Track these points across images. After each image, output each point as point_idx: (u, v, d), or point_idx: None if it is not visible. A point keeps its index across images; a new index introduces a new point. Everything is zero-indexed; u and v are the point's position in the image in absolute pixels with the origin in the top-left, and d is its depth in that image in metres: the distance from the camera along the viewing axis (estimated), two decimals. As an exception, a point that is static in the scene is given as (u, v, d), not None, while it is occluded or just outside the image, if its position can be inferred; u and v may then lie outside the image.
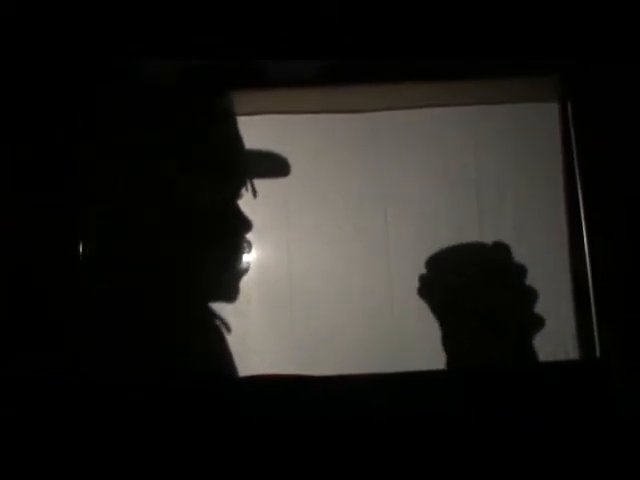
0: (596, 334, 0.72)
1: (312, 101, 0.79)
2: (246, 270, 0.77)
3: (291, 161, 0.79)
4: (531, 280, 0.74)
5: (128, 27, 0.73)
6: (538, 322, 0.74)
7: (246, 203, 0.78)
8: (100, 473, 0.66)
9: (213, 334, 0.76)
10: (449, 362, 0.74)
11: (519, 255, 0.75)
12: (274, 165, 0.78)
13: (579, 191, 0.75)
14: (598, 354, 0.72)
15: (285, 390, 0.70)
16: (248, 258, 0.78)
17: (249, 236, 0.77)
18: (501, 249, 0.75)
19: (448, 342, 0.74)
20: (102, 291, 0.74)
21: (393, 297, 0.77)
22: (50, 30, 0.73)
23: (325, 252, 0.78)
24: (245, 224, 0.77)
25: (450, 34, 0.74)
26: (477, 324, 0.74)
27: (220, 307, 0.77)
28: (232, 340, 0.76)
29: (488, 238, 0.77)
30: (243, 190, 0.78)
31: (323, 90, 0.78)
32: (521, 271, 0.74)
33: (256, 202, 0.78)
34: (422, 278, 0.75)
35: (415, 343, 0.76)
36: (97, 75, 0.74)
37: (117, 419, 0.68)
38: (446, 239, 0.77)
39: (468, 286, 0.75)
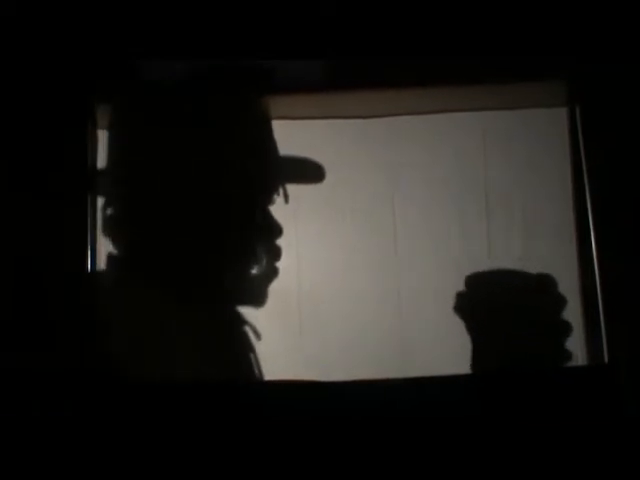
0: (604, 340, 0.72)
1: (318, 107, 0.79)
2: (275, 275, 0.77)
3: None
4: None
5: (129, 27, 0.73)
6: (566, 356, 0.73)
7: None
8: (102, 474, 0.66)
9: (241, 340, 0.76)
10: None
11: (527, 259, 0.75)
12: (308, 171, 0.78)
13: (588, 196, 0.75)
14: (606, 360, 0.72)
15: (295, 395, 0.69)
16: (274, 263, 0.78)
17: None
18: (546, 279, 0.74)
19: (478, 358, 0.74)
20: (125, 289, 0.75)
21: (401, 303, 0.77)
22: (50, 30, 0.72)
23: (334, 257, 0.78)
24: (275, 229, 0.76)
25: (459, 39, 0.74)
26: (509, 344, 0.74)
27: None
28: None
29: (497, 242, 0.77)
30: (275, 195, 0.77)
31: (330, 96, 0.78)
32: (561, 304, 0.74)
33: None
34: (460, 295, 0.75)
35: (424, 348, 0.75)
36: (98, 75, 0.74)
37: (126, 425, 0.68)
38: (455, 246, 0.77)
39: (505, 307, 0.75)
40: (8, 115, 0.72)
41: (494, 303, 0.74)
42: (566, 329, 0.73)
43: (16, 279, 0.70)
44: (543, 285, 0.74)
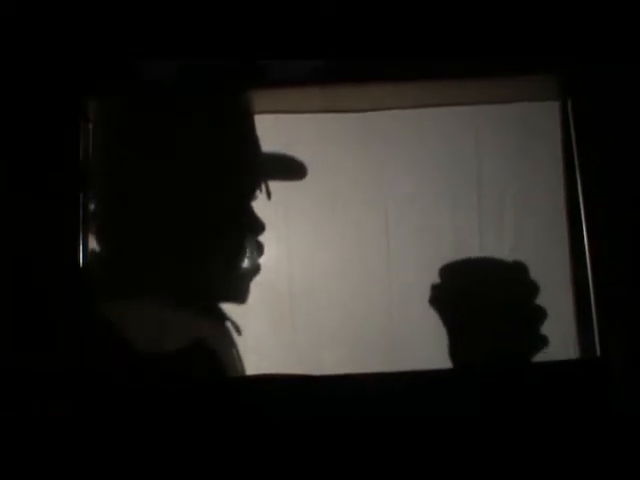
0: (596, 333, 0.72)
1: (311, 101, 0.79)
2: (257, 272, 0.77)
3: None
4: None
5: (129, 27, 0.73)
6: (542, 342, 0.73)
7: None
8: (101, 474, 0.66)
9: (223, 336, 0.76)
10: (455, 367, 0.74)
11: (519, 253, 0.76)
12: (290, 168, 0.78)
13: (579, 189, 0.75)
14: (598, 353, 0.72)
15: (285, 390, 0.69)
16: (256, 259, 0.78)
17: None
18: (516, 266, 0.75)
19: (456, 349, 0.74)
20: (107, 289, 0.74)
21: (393, 298, 0.77)
22: (50, 30, 0.72)
23: (325, 252, 0.78)
24: (258, 226, 0.77)
25: (450, 33, 0.74)
26: (485, 334, 0.74)
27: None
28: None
29: (488, 237, 0.77)
30: (257, 192, 0.77)
31: (322, 90, 0.78)
32: (533, 290, 0.74)
33: (255, 202, 0.78)
34: (434, 287, 0.75)
35: (414, 343, 0.76)
36: (96, 74, 0.74)
37: (121, 420, 0.68)
38: (447, 240, 0.77)
39: (479, 296, 0.75)
40: (6, 114, 0.72)
41: (467, 292, 0.75)
42: (539, 315, 0.73)
43: (15, 279, 0.70)
44: (514, 272, 0.74)
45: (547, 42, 0.75)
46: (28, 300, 0.69)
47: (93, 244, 0.75)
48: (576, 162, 0.75)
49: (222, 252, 0.76)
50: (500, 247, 0.77)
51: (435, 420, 0.68)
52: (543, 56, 0.75)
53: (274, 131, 0.78)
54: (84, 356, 0.69)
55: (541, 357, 0.73)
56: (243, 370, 0.76)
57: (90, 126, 0.76)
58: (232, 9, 0.73)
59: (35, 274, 0.70)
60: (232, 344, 0.76)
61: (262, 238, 0.77)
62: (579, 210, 0.75)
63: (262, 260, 0.77)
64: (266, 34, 0.74)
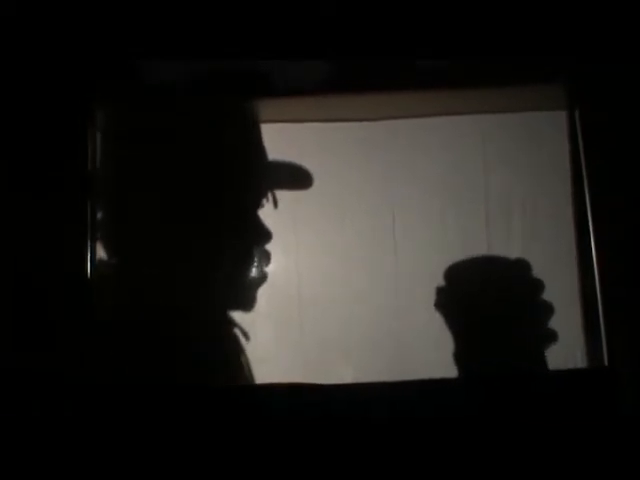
0: (604, 343, 0.72)
1: (315, 110, 0.79)
2: (263, 280, 0.77)
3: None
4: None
5: (129, 28, 0.73)
6: (551, 337, 0.73)
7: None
8: (102, 475, 0.66)
9: (231, 342, 0.77)
10: (460, 372, 0.74)
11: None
12: (296, 177, 0.78)
13: (587, 198, 0.74)
14: (606, 362, 0.71)
15: (295, 398, 0.69)
16: (263, 267, 0.78)
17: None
18: (520, 264, 0.75)
19: (461, 353, 0.74)
20: (117, 297, 0.75)
21: (399, 303, 0.77)
22: (50, 30, 0.72)
23: (333, 260, 0.78)
24: (265, 235, 0.77)
25: (451, 34, 0.74)
26: (491, 335, 0.74)
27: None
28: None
29: (496, 246, 0.77)
30: (264, 200, 0.77)
31: (328, 99, 0.78)
32: (539, 286, 0.74)
33: (264, 210, 0.78)
34: (439, 290, 0.75)
35: (421, 348, 0.76)
36: (98, 75, 0.74)
37: (121, 421, 0.68)
38: (454, 248, 0.77)
39: (484, 298, 0.75)
40: (8, 116, 0.72)
41: (472, 295, 0.75)
42: (546, 310, 0.73)
43: (16, 279, 0.70)
44: (518, 269, 0.74)
45: (555, 51, 0.74)
46: (28, 300, 0.69)
47: (97, 248, 0.75)
48: (584, 172, 0.75)
49: (229, 260, 0.76)
50: (508, 256, 0.76)
51: (443, 426, 0.68)
52: (551, 65, 0.75)
53: (278, 140, 0.78)
54: (84, 356, 0.69)
55: (550, 366, 0.73)
56: (251, 376, 0.76)
57: (96, 132, 0.76)
58: (232, 9, 0.72)
59: (36, 274, 0.70)
60: (241, 351, 0.77)
61: (270, 247, 0.77)
62: (587, 220, 0.74)
63: (272, 268, 0.78)
64: (266, 34, 0.73)
